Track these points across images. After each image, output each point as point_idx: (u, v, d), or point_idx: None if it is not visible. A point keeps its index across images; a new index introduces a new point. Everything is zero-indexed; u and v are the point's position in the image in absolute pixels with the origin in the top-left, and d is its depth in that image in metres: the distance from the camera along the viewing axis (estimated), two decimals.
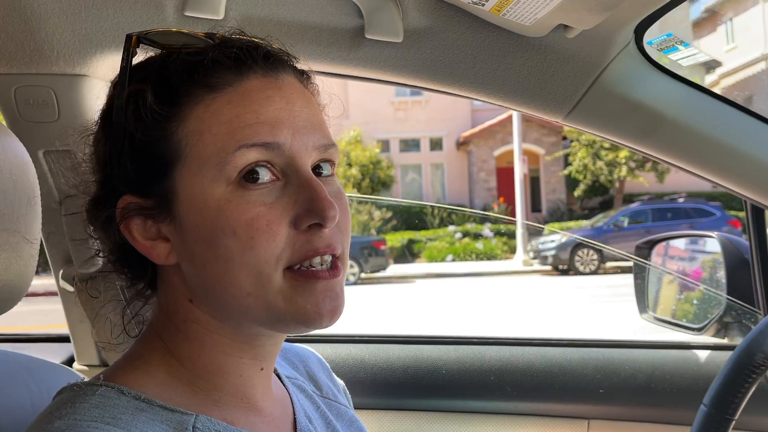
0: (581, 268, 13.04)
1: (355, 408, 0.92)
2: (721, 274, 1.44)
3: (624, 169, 18.37)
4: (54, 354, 1.43)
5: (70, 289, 1.17)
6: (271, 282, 0.61)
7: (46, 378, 0.85)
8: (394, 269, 14.06)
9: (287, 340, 0.92)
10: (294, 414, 0.74)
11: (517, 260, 14.55)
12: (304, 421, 0.74)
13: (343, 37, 1.01)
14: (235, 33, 0.67)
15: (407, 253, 15.94)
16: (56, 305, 1.28)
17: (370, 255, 13.20)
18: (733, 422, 0.90)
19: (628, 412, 1.37)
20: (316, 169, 0.65)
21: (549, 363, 1.40)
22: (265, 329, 0.66)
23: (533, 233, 14.88)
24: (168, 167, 0.62)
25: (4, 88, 1.03)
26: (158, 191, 0.62)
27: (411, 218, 18.47)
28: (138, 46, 0.64)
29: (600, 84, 1.03)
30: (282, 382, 0.78)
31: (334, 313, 0.63)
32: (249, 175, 0.60)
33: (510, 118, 17.42)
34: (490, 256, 15.44)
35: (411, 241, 16.29)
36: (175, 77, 0.62)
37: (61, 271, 1.18)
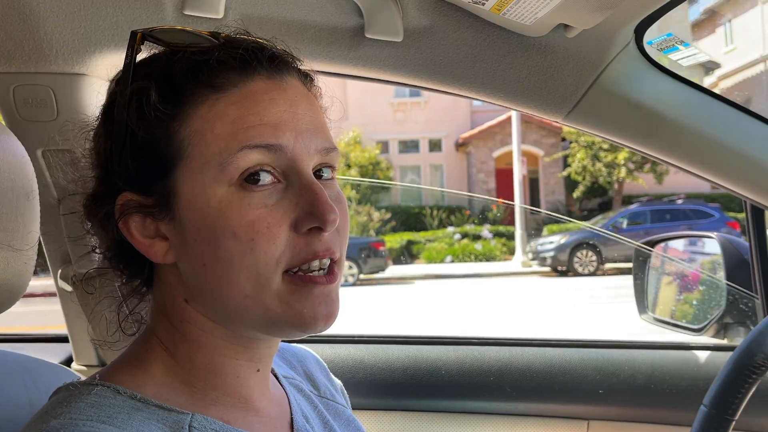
0: (580, 270, 13.04)
1: (355, 408, 0.91)
2: (721, 275, 1.44)
3: (623, 170, 18.39)
4: (52, 354, 1.42)
5: (69, 288, 1.17)
6: (270, 284, 0.61)
7: (45, 378, 0.85)
8: (393, 270, 14.06)
9: (287, 340, 0.92)
10: (291, 414, 0.74)
11: (516, 261, 14.56)
12: (302, 421, 0.74)
13: (342, 37, 1.01)
14: (240, 33, 0.67)
15: (406, 254, 15.94)
16: (54, 306, 1.28)
17: (369, 256, 13.20)
18: (734, 423, 0.90)
19: (627, 413, 1.36)
20: (317, 172, 0.65)
21: (548, 363, 1.40)
22: (260, 333, 0.65)
23: (532, 234, 14.89)
24: (169, 166, 0.61)
25: (3, 87, 1.03)
26: (159, 190, 0.62)
27: (410, 219, 18.47)
28: (142, 44, 0.64)
29: (600, 84, 1.02)
30: (279, 382, 0.78)
31: (329, 318, 0.63)
32: (250, 177, 0.60)
33: (509, 119, 17.43)
34: (489, 257, 15.44)
35: (410, 242, 16.29)
36: (180, 76, 0.62)
37: (60, 271, 1.17)
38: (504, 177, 20.19)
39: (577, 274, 12.98)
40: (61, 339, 1.49)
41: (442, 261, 15.30)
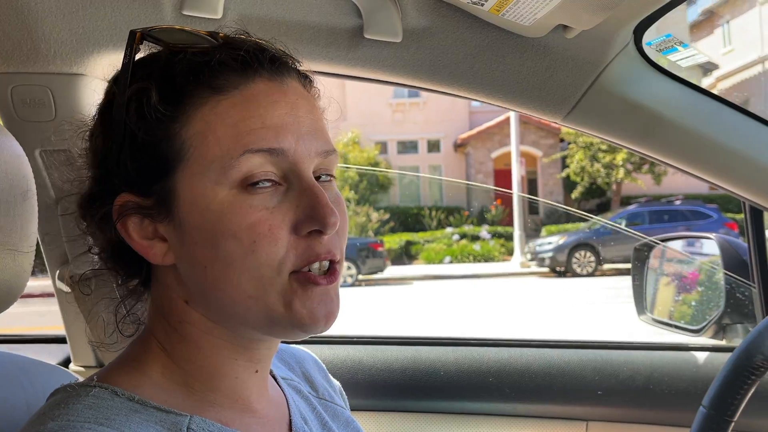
0: (578, 270, 13.05)
1: (353, 410, 0.91)
2: (719, 276, 1.44)
3: (621, 171, 18.40)
4: (50, 355, 1.42)
5: (67, 289, 1.16)
6: (273, 285, 0.61)
7: (42, 379, 0.85)
8: (392, 271, 14.07)
9: (287, 341, 0.92)
10: (290, 415, 0.74)
11: (515, 262, 14.56)
12: (300, 423, 0.74)
13: (341, 37, 1.01)
14: (240, 33, 0.67)
15: (405, 255, 15.95)
16: (52, 306, 1.28)
17: (368, 257, 13.20)
18: (732, 424, 0.90)
19: (626, 414, 1.36)
20: (316, 174, 0.65)
21: (547, 364, 1.40)
22: (261, 334, 0.65)
23: (531, 235, 14.89)
24: (170, 168, 0.61)
25: (1, 87, 1.03)
26: (158, 191, 0.62)
27: (408, 220, 18.47)
28: (141, 43, 0.64)
29: (599, 85, 1.02)
30: (278, 383, 0.78)
31: (329, 318, 0.63)
32: (252, 180, 0.60)
33: (508, 120, 17.44)
34: (487, 258, 15.45)
35: (408, 243, 16.29)
36: (180, 77, 0.61)
37: (58, 271, 1.17)
38: (502, 178, 20.20)
39: (575, 274, 12.99)
40: (59, 340, 1.49)
41: (440, 261, 15.31)
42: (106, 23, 0.98)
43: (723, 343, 1.41)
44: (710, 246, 1.56)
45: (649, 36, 1.01)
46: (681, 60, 1.04)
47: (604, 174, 18.79)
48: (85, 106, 1.04)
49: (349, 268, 12.27)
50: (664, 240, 1.64)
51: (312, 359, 0.92)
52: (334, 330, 0.66)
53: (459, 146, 22.23)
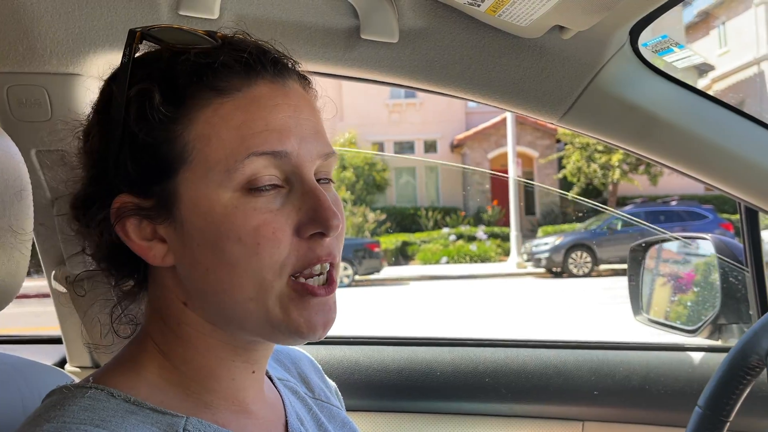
0: (575, 271, 13.07)
1: (350, 410, 0.91)
2: (715, 277, 1.44)
3: (617, 172, 18.44)
4: (46, 356, 1.42)
5: (63, 290, 1.16)
6: (273, 288, 0.61)
7: (38, 380, 0.84)
8: (388, 271, 14.07)
9: None
10: (286, 416, 0.74)
11: (511, 263, 14.58)
12: (296, 424, 0.74)
13: (338, 38, 1.01)
14: (238, 33, 0.66)
15: (401, 256, 15.95)
16: (48, 307, 1.27)
17: (364, 257, 13.21)
18: (728, 424, 0.90)
19: (622, 414, 1.37)
20: (316, 176, 0.65)
21: (544, 365, 1.40)
22: (260, 337, 0.65)
23: (527, 235, 14.91)
24: (171, 169, 0.61)
25: None
26: (159, 192, 0.62)
27: (405, 220, 18.48)
28: (141, 43, 0.63)
29: (595, 85, 1.03)
30: (274, 384, 0.78)
31: (326, 326, 0.64)
32: (256, 182, 0.60)
33: (504, 120, 17.46)
34: (484, 259, 15.46)
35: (405, 244, 16.30)
36: (183, 78, 0.61)
37: (53, 272, 1.17)
38: (499, 178, 20.22)
39: (571, 275, 13.01)
40: (55, 340, 1.49)
41: (437, 262, 15.32)
42: (103, 23, 0.98)
43: (718, 343, 1.42)
44: (706, 246, 1.56)
45: (645, 37, 1.02)
46: (677, 61, 1.04)
47: (600, 175, 18.82)
48: (81, 106, 1.04)
49: (345, 268, 12.26)
50: (660, 240, 1.64)
51: (308, 360, 0.92)
52: (331, 330, 0.66)
53: (455, 147, 22.24)
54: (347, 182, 18.05)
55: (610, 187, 19.41)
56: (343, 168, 18.62)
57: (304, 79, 0.69)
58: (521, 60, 1.02)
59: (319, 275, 0.63)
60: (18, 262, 0.70)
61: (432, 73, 1.05)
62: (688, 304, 1.69)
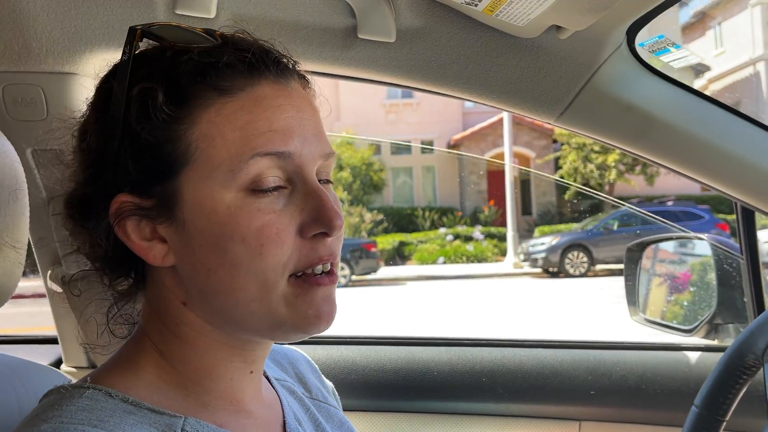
0: (571, 271, 13.10)
1: (347, 410, 0.91)
2: (712, 276, 1.44)
3: (614, 172, 18.47)
4: (41, 356, 1.41)
5: (59, 289, 1.16)
6: (276, 288, 0.61)
7: (34, 380, 0.84)
8: (385, 271, 14.07)
9: (284, 343, 0.92)
10: (283, 416, 0.74)
11: (508, 263, 14.59)
12: (294, 424, 0.73)
13: (335, 37, 1.01)
14: (238, 32, 0.66)
15: (398, 256, 15.95)
16: (44, 307, 1.27)
17: (361, 257, 13.20)
18: (724, 423, 0.90)
19: (619, 414, 1.37)
20: (317, 176, 0.65)
21: (540, 364, 1.40)
22: (261, 336, 0.66)
23: (524, 235, 14.94)
24: (174, 169, 0.60)
25: None
26: (160, 192, 0.61)
27: (402, 220, 18.48)
28: (141, 41, 0.63)
29: (592, 85, 1.03)
30: (271, 384, 0.78)
31: (330, 317, 0.64)
32: (259, 183, 0.60)
33: (501, 121, 17.47)
34: (480, 259, 15.48)
35: (402, 244, 16.30)
36: (186, 77, 0.60)
37: (49, 272, 1.16)
38: (495, 179, 20.24)
39: (568, 275, 13.03)
40: (51, 341, 1.48)
41: (434, 262, 15.32)
42: (99, 22, 0.97)
43: (715, 342, 1.42)
44: (703, 246, 1.57)
45: (642, 37, 1.02)
46: (673, 61, 1.05)
47: (596, 175, 18.85)
48: (77, 106, 1.03)
49: (342, 268, 12.23)
50: (657, 240, 1.64)
51: (305, 360, 0.92)
52: (328, 330, 0.66)
53: (452, 147, 22.25)
54: (344, 182, 18.04)
55: (607, 188, 19.44)
56: (340, 168, 18.62)
57: (303, 78, 0.69)
58: (518, 60, 1.02)
59: (321, 274, 0.63)
60: (14, 261, 0.70)
61: (429, 73, 1.05)
62: (685, 303, 1.70)
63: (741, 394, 0.90)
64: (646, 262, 1.62)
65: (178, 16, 0.95)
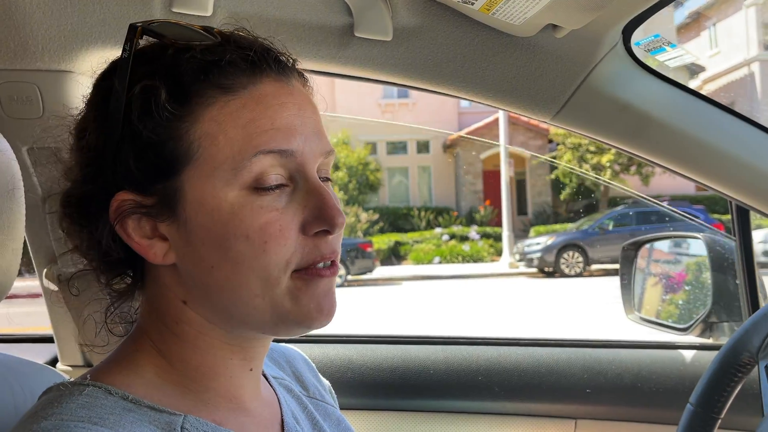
0: (566, 271, 13.13)
1: (343, 408, 0.91)
2: (706, 275, 1.45)
3: (609, 172, 18.51)
4: (37, 355, 1.41)
5: (54, 288, 1.15)
6: (279, 284, 0.61)
7: (30, 378, 0.84)
8: (381, 271, 14.07)
9: (281, 339, 0.92)
10: (281, 414, 0.74)
11: (503, 262, 14.61)
12: (291, 422, 0.73)
13: (331, 35, 1.01)
14: (237, 29, 0.66)
15: (394, 256, 15.96)
16: (39, 307, 1.27)
17: (357, 257, 13.21)
18: (719, 421, 0.91)
19: (614, 412, 1.37)
20: (318, 174, 0.66)
21: (536, 363, 1.40)
22: (262, 332, 0.66)
23: (519, 235, 14.96)
24: (176, 167, 0.60)
25: None
26: (161, 191, 0.61)
27: (398, 220, 18.49)
28: (141, 38, 0.62)
29: (588, 84, 1.03)
30: (269, 382, 0.78)
31: (331, 312, 0.65)
32: (262, 181, 0.60)
33: (496, 121, 17.49)
34: (476, 259, 15.50)
35: (397, 244, 16.31)
36: (189, 76, 0.60)
37: (45, 270, 1.16)
38: (491, 178, 20.26)
39: (563, 275, 13.06)
40: (46, 339, 1.48)
41: (429, 262, 15.34)
42: (95, 20, 0.97)
43: (710, 341, 1.43)
44: (698, 246, 1.57)
45: (638, 36, 1.02)
46: (669, 60, 1.05)
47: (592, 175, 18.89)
48: (74, 103, 1.03)
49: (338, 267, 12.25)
50: (652, 240, 1.65)
51: (302, 358, 0.92)
52: (324, 329, 0.67)
53: (448, 147, 22.28)
54: (340, 182, 18.03)
55: (602, 188, 19.49)
56: (336, 168, 18.60)
57: (302, 76, 0.69)
58: (514, 58, 1.02)
59: (322, 266, 0.64)
60: (9, 260, 0.69)
61: (425, 72, 1.05)
62: (680, 302, 1.70)
63: (736, 391, 0.90)
64: (641, 261, 1.63)
65: (175, 14, 0.95)
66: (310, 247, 0.62)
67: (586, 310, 8.56)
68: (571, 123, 1.10)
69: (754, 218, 1.30)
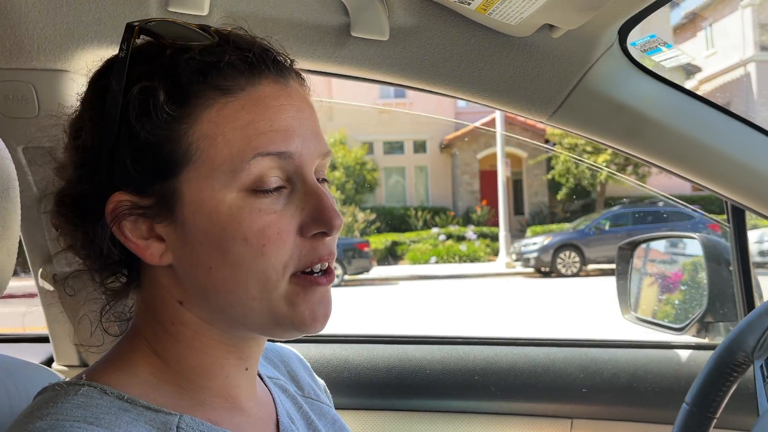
0: (563, 271, 13.15)
1: (339, 408, 0.91)
2: (702, 275, 1.45)
3: (605, 172, 18.54)
4: (33, 354, 1.40)
5: (50, 288, 1.15)
6: (277, 287, 0.61)
7: (25, 378, 0.83)
8: (378, 271, 14.07)
9: (278, 340, 0.92)
10: (276, 414, 0.74)
11: (500, 262, 14.63)
12: (287, 422, 0.73)
13: (328, 35, 1.01)
14: (236, 29, 0.66)
15: (390, 255, 15.96)
16: (35, 307, 1.26)
17: (354, 257, 13.20)
18: (715, 420, 0.91)
19: (610, 411, 1.37)
20: (315, 175, 0.65)
21: (533, 363, 1.40)
22: (259, 334, 0.66)
23: (516, 235, 14.97)
24: (174, 169, 0.60)
25: None
26: (159, 192, 0.61)
27: (394, 220, 18.49)
28: (138, 38, 0.62)
29: (584, 84, 1.03)
30: (264, 382, 0.78)
31: (325, 319, 0.65)
32: (260, 183, 0.60)
33: (493, 121, 17.51)
34: (473, 258, 15.50)
35: (394, 243, 16.31)
36: (187, 77, 0.60)
37: (41, 270, 1.16)
38: (488, 178, 20.28)
39: (560, 275, 13.08)
40: (42, 339, 1.47)
41: (426, 262, 15.34)
42: (91, 19, 0.97)
43: (705, 341, 1.43)
44: (693, 246, 1.58)
45: (634, 37, 1.02)
46: (665, 60, 1.05)
47: (589, 175, 18.92)
48: (69, 103, 1.03)
49: (335, 268, 12.24)
50: (648, 240, 1.65)
51: (297, 358, 0.92)
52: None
53: (445, 147, 22.29)
54: (337, 182, 18.02)
55: (599, 188, 19.52)
56: (333, 168, 18.59)
57: (300, 77, 0.69)
58: (511, 58, 1.02)
59: (319, 273, 0.64)
60: (4, 260, 0.69)
61: (422, 71, 1.05)
62: (676, 302, 1.71)
63: (731, 391, 0.90)
64: (637, 261, 1.63)
65: (171, 13, 0.95)
66: (307, 249, 0.62)
67: (582, 310, 8.57)
68: (568, 123, 1.10)
69: (750, 218, 1.30)
